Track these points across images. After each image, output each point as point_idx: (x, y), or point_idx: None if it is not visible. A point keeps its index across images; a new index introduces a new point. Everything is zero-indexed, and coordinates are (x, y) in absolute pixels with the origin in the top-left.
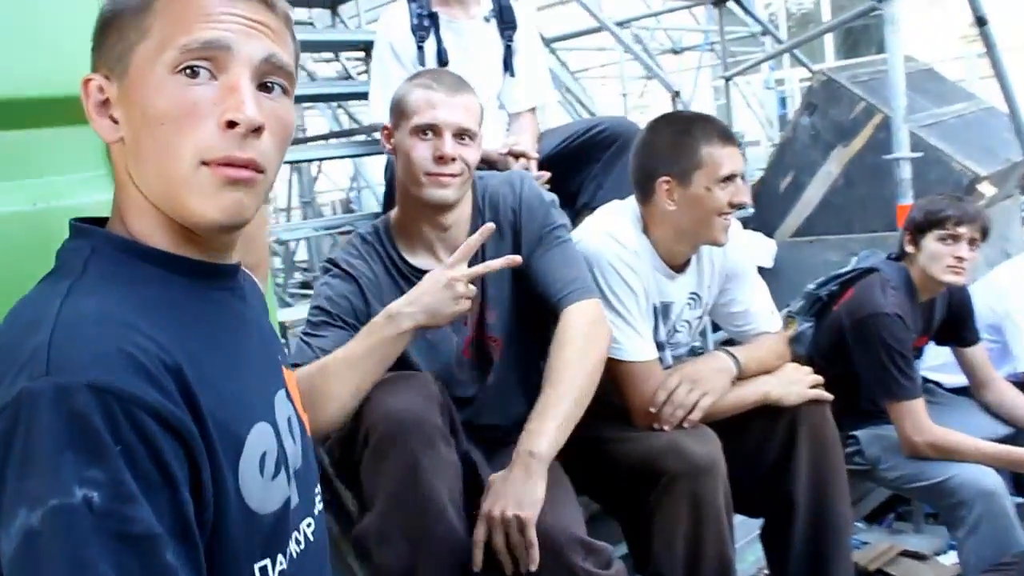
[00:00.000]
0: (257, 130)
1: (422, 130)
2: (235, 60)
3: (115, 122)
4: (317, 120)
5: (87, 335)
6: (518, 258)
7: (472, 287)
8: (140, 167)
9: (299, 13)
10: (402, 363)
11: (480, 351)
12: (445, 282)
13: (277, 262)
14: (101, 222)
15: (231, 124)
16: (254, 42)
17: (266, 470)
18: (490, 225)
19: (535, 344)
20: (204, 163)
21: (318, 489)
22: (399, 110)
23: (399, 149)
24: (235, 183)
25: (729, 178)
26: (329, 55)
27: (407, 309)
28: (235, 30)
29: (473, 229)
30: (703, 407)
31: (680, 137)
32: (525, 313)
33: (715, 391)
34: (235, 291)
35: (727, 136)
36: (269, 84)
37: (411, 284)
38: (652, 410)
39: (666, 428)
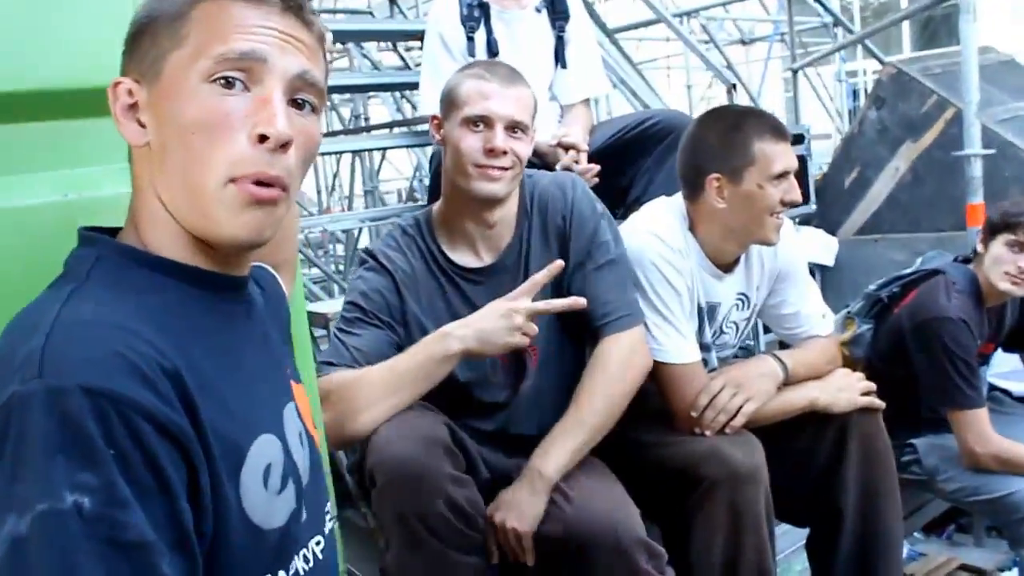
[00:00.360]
0: (285, 145)
1: (473, 121)
2: (270, 73)
3: (142, 126)
4: (380, 109)
5: (82, 337)
6: (561, 263)
7: (533, 325)
8: (165, 175)
9: (359, 2)
10: None
11: (516, 358)
12: (504, 312)
13: (339, 249)
14: (114, 232)
15: (263, 138)
16: (289, 57)
17: (271, 483)
18: (559, 263)
19: (573, 357)
20: (232, 180)
21: (329, 507)
22: (450, 100)
23: (448, 140)
24: (260, 203)
25: (782, 175)
26: (390, 45)
27: (459, 332)
28: (271, 43)
29: (520, 231)
30: (746, 413)
31: (732, 133)
32: (565, 325)
33: (759, 396)
34: (243, 304)
35: (780, 132)
36: (300, 100)
37: (450, 280)
38: (694, 414)
39: (707, 433)
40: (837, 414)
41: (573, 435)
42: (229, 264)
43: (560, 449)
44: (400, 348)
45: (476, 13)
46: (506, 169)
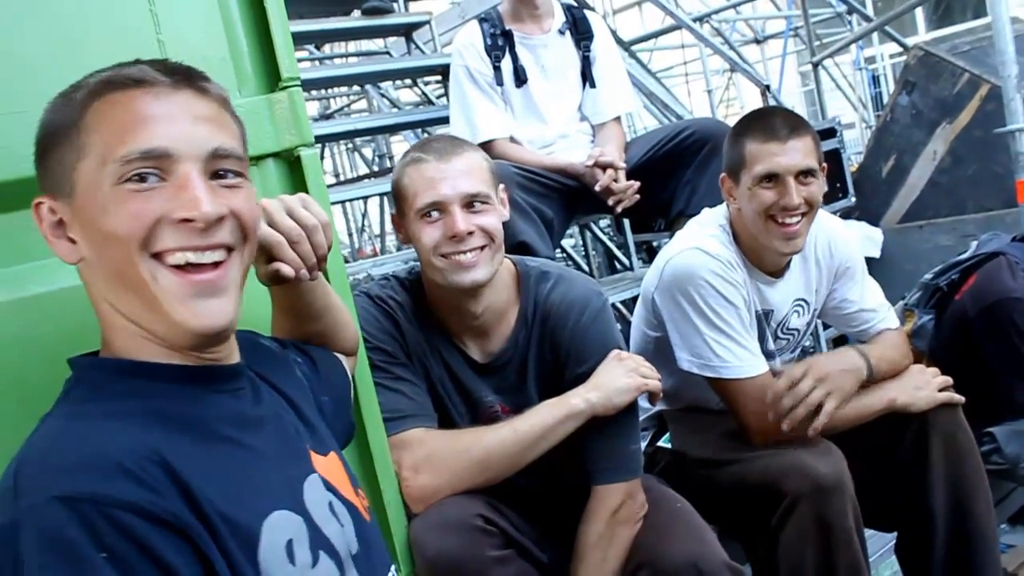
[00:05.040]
0: (220, 219)
1: (426, 212)
2: (180, 161)
3: (73, 242)
4: (403, 146)
5: (51, 450)
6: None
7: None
8: (109, 284)
9: (376, 44)
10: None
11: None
12: (617, 358)
13: None
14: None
15: (186, 220)
16: (196, 138)
17: (299, 559)
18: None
19: None
20: (155, 255)
21: (393, 571)
22: (398, 196)
23: (412, 237)
24: (204, 288)
25: (769, 178)
26: (408, 81)
27: (583, 393)
28: (174, 131)
29: (516, 337)
30: (827, 412)
31: (736, 133)
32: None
33: (840, 393)
34: (240, 390)
35: (772, 131)
36: (222, 172)
37: (443, 352)
38: (769, 399)
39: (784, 427)
40: (915, 413)
41: None
42: (206, 355)
43: None
44: None
45: (500, 42)
46: (480, 249)
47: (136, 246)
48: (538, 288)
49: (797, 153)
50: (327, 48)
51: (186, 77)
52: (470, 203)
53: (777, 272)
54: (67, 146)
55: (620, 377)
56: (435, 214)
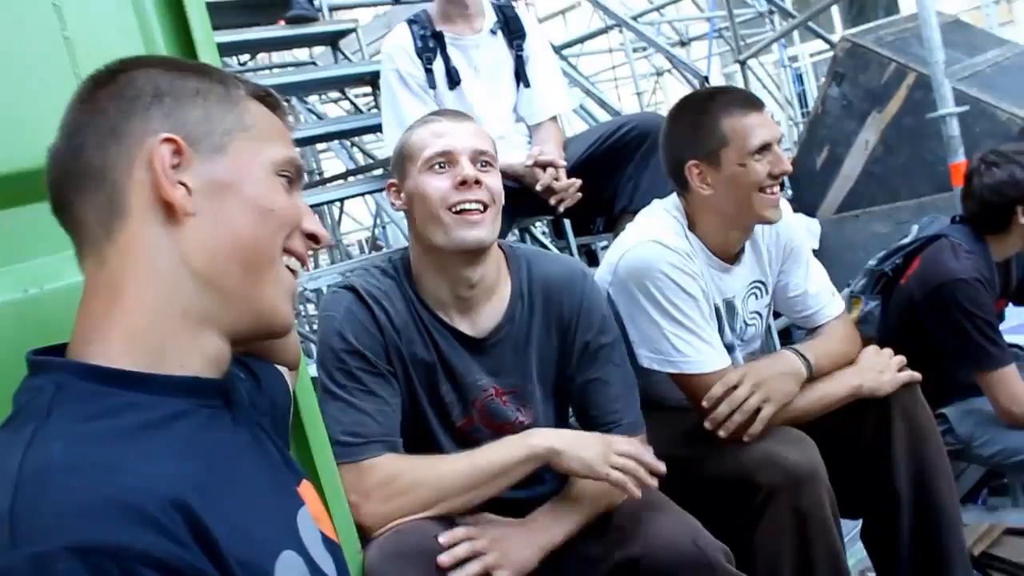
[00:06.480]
0: (319, 242)
1: (436, 163)
2: (299, 179)
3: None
4: (333, 163)
5: (58, 487)
6: None
7: (632, 464)
8: (209, 247)
9: (301, 54)
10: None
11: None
12: (605, 441)
13: (311, 308)
14: (62, 349)
15: (311, 236)
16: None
17: None
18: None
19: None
20: (286, 251)
21: None
22: (404, 155)
23: (413, 195)
24: (294, 295)
25: (763, 148)
26: (337, 94)
27: (550, 436)
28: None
29: (513, 310)
30: (764, 418)
31: (699, 116)
32: (563, 404)
33: (777, 398)
34: (230, 409)
35: (749, 103)
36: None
37: (434, 337)
38: (705, 404)
39: (721, 434)
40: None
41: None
42: (217, 365)
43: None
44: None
45: (431, 44)
46: (484, 209)
47: (285, 231)
48: (528, 265)
49: (772, 121)
50: (251, 62)
51: (286, 106)
52: (477, 160)
53: (733, 258)
54: (228, 112)
55: (595, 456)
56: (444, 165)
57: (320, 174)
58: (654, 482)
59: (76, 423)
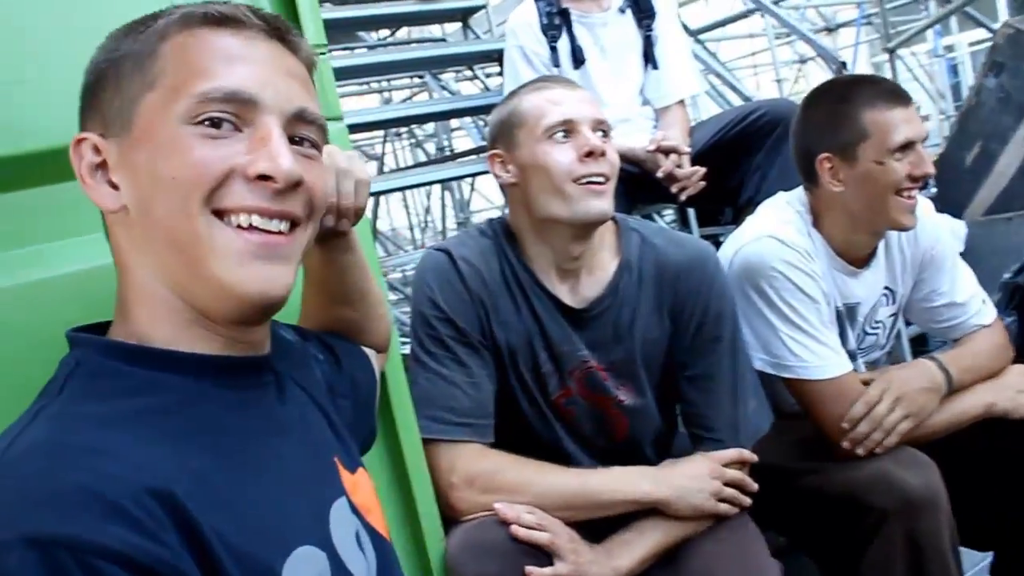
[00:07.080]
0: (296, 185)
1: (556, 131)
2: (263, 112)
3: (115, 188)
4: (465, 141)
5: (25, 474)
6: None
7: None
8: (148, 238)
9: (433, 30)
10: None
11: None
12: (710, 473)
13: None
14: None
15: (263, 178)
16: (284, 92)
17: None
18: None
19: (664, 415)
20: (219, 212)
21: None
22: (514, 123)
23: (527, 167)
24: (268, 250)
25: (905, 146)
26: (471, 73)
27: (659, 480)
28: (261, 79)
29: (615, 286)
30: (901, 432)
31: (838, 105)
32: (663, 386)
33: (918, 414)
34: (268, 387)
35: (896, 96)
36: (299, 138)
37: (533, 304)
38: (845, 425)
39: (860, 451)
40: (1015, 419)
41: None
42: (242, 342)
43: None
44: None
45: (557, 21)
46: (608, 179)
47: (199, 197)
48: (640, 240)
49: (919, 118)
50: (390, 37)
51: (279, 27)
52: (597, 129)
53: (863, 261)
54: (134, 76)
55: (705, 500)
56: (566, 135)
57: (451, 150)
58: (749, 502)
59: (79, 403)
